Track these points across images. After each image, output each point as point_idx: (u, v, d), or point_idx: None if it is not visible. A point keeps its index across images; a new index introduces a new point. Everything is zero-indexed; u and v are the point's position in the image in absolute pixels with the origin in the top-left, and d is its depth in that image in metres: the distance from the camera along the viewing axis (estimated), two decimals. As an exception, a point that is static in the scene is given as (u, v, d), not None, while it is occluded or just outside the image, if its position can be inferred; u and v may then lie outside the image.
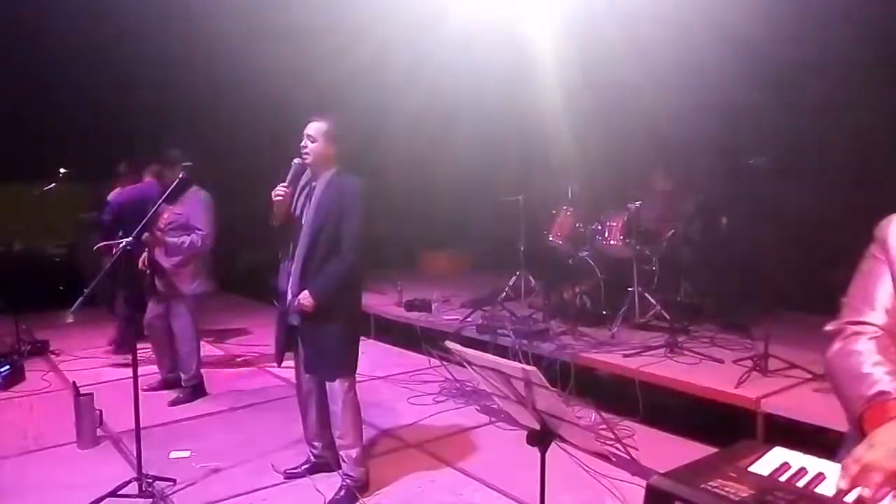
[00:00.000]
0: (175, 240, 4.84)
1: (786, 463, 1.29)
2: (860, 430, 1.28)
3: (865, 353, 1.39)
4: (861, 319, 1.46)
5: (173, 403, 4.97)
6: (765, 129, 5.80)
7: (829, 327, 1.54)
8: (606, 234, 5.72)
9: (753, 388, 3.95)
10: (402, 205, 10.24)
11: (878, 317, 1.45)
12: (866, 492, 1.12)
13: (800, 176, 5.50)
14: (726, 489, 1.19)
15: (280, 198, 3.34)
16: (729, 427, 3.94)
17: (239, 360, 6.27)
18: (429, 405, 4.92)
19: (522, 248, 6.92)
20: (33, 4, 7.60)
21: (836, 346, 1.48)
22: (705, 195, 6.04)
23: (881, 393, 1.30)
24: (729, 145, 6.03)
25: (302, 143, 3.40)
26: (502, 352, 5.05)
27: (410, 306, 6.62)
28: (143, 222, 3.99)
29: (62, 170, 6.35)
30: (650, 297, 5.49)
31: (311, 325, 3.38)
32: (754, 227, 5.57)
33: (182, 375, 5.13)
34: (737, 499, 1.16)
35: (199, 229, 4.88)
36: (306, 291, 3.31)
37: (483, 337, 5.49)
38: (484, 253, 8.76)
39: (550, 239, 6.12)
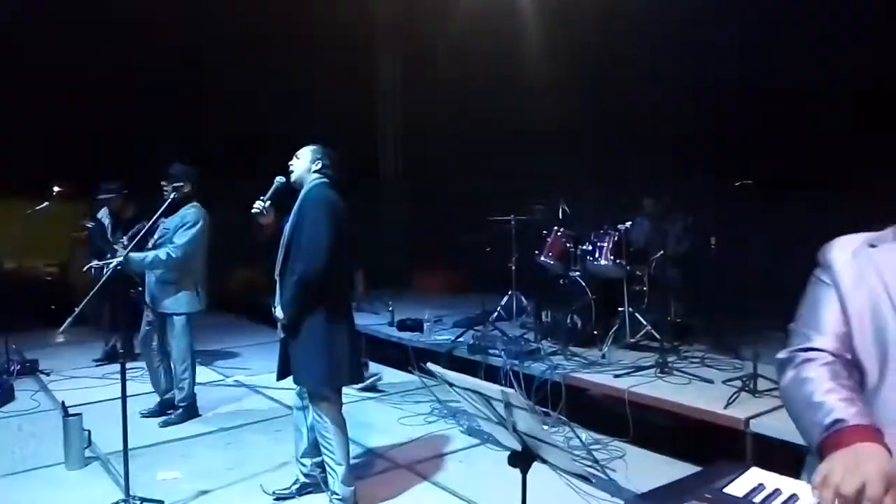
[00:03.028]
0: (138, 255, 4.55)
1: (761, 484, 1.30)
2: (820, 458, 1.28)
3: (818, 381, 1.38)
4: (811, 346, 1.46)
5: (165, 424, 4.92)
6: (754, 151, 5.87)
7: (780, 355, 1.53)
8: (597, 255, 5.74)
9: (742, 408, 3.96)
10: (395, 224, 10.27)
11: (827, 341, 1.44)
12: None
13: (787, 197, 5.56)
14: (701, 510, 1.20)
15: (257, 210, 3.46)
16: (718, 448, 3.94)
17: (229, 380, 6.25)
18: (420, 426, 4.91)
19: (514, 268, 6.95)
20: (32, 22, 7.69)
21: (789, 374, 1.48)
22: (694, 216, 6.09)
23: (837, 421, 1.30)
24: (718, 167, 6.09)
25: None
26: (493, 372, 5.06)
27: (402, 326, 6.62)
28: (135, 241, 3.99)
29: (55, 188, 6.31)
30: (641, 318, 5.50)
31: (289, 338, 3.45)
32: (743, 248, 5.61)
33: (176, 394, 5.04)
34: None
35: (172, 242, 4.74)
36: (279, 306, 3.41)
37: (474, 357, 5.49)
38: (476, 273, 8.77)
39: (541, 259, 6.15)
